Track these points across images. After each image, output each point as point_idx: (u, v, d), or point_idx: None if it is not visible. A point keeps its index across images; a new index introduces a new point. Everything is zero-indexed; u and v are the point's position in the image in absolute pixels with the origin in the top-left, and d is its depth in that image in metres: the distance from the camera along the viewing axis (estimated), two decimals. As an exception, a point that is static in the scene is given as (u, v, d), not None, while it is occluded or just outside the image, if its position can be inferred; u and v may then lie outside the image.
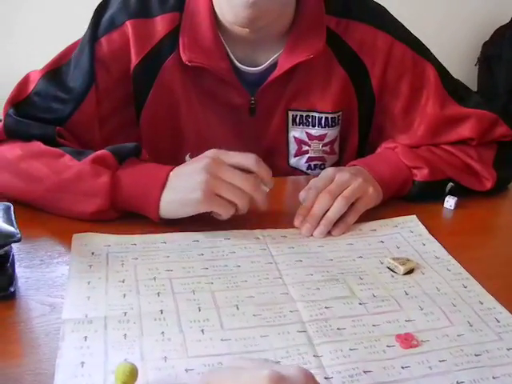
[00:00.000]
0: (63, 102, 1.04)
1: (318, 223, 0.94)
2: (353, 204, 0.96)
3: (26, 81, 1.06)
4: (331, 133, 1.15)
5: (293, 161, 1.16)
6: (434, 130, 1.11)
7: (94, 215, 0.93)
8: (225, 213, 0.90)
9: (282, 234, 0.93)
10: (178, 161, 0.96)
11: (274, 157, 1.14)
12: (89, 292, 0.78)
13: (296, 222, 0.95)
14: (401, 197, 1.07)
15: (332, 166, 1.13)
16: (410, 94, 1.12)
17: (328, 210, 0.94)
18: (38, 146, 0.99)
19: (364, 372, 0.66)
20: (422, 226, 0.98)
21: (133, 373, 0.61)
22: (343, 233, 0.95)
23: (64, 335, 0.70)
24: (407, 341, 0.71)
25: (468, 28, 3.48)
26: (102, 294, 0.77)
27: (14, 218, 0.82)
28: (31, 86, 1.05)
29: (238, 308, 0.76)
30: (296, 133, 1.14)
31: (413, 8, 3.12)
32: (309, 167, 1.17)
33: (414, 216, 1.01)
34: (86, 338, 0.69)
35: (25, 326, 0.72)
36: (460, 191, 1.07)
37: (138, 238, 0.90)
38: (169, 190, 0.90)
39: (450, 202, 1.06)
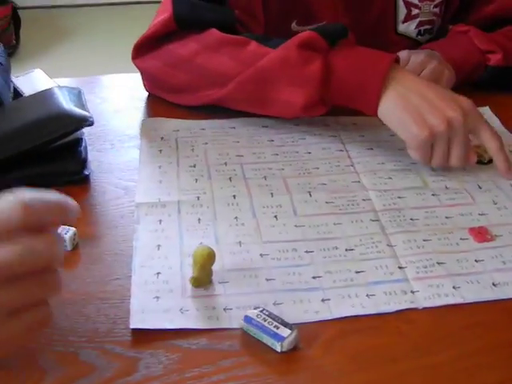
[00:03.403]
0: None
1: None
2: None
3: None
4: None
5: (401, 27, 1.07)
6: None
7: (302, 111, 0.83)
8: None
9: (353, 122, 0.91)
10: (283, 30, 0.93)
11: (381, 26, 1.05)
12: (160, 176, 0.78)
13: None
14: (472, 82, 1.02)
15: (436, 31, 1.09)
16: None
17: None
18: (215, 35, 0.88)
19: (437, 263, 0.66)
20: (495, 118, 0.94)
21: (210, 256, 0.62)
22: None
23: (139, 218, 0.71)
24: (481, 234, 0.70)
25: None
26: (174, 178, 0.78)
27: (85, 103, 0.82)
28: None
29: (310, 195, 0.76)
30: None
31: None
32: (419, 33, 1.09)
33: (487, 107, 0.97)
34: (160, 221, 0.71)
35: (100, 208, 0.74)
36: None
37: (206, 123, 0.89)
38: (394, 90, 0.79)
39: (525, 94, 1.01)
